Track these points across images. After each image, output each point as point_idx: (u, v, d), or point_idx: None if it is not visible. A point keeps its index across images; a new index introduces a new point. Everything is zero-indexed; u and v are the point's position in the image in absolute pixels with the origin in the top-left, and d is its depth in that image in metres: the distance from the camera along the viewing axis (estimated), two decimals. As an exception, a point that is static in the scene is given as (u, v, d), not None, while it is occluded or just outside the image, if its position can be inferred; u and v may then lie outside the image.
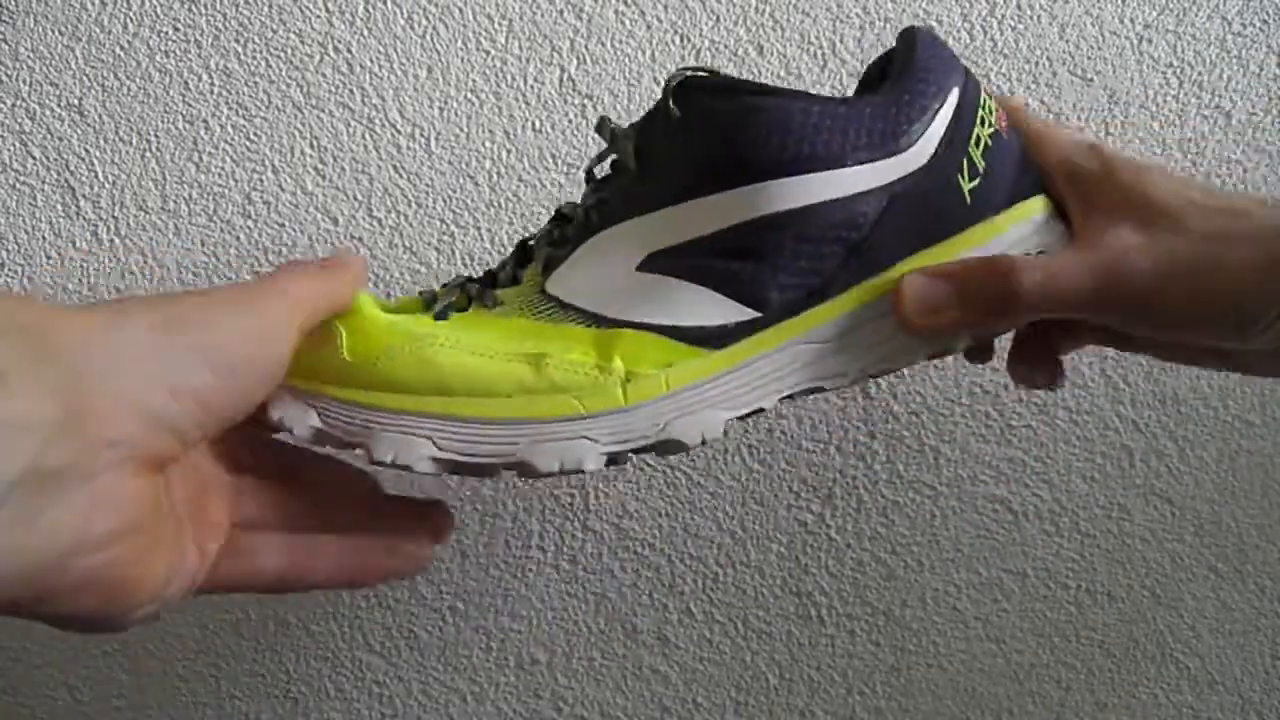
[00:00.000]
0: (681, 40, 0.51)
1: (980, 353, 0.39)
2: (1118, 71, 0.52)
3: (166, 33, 0.51)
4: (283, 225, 0.51)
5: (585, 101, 0.51)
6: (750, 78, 0.51)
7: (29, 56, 0.51)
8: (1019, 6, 0.52)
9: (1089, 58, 0.52)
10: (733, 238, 0.32)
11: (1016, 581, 0.55)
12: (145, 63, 0.51)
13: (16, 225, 0.51)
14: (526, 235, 0.36)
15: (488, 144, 0.51)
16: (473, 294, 0.34)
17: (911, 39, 0.34)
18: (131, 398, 0.24)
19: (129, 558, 0.25)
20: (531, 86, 0.51)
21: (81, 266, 0.51)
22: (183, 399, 0.25)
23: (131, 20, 0.51)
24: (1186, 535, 0.55)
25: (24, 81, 0.51)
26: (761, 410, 0.33)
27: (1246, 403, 0.54)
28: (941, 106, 0.33)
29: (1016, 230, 0.34)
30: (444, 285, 0.35)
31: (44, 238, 0.51)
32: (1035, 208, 0.35)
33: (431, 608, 0.54)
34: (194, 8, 0.51)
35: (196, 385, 0.26)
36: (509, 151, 0.51)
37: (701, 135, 0.32)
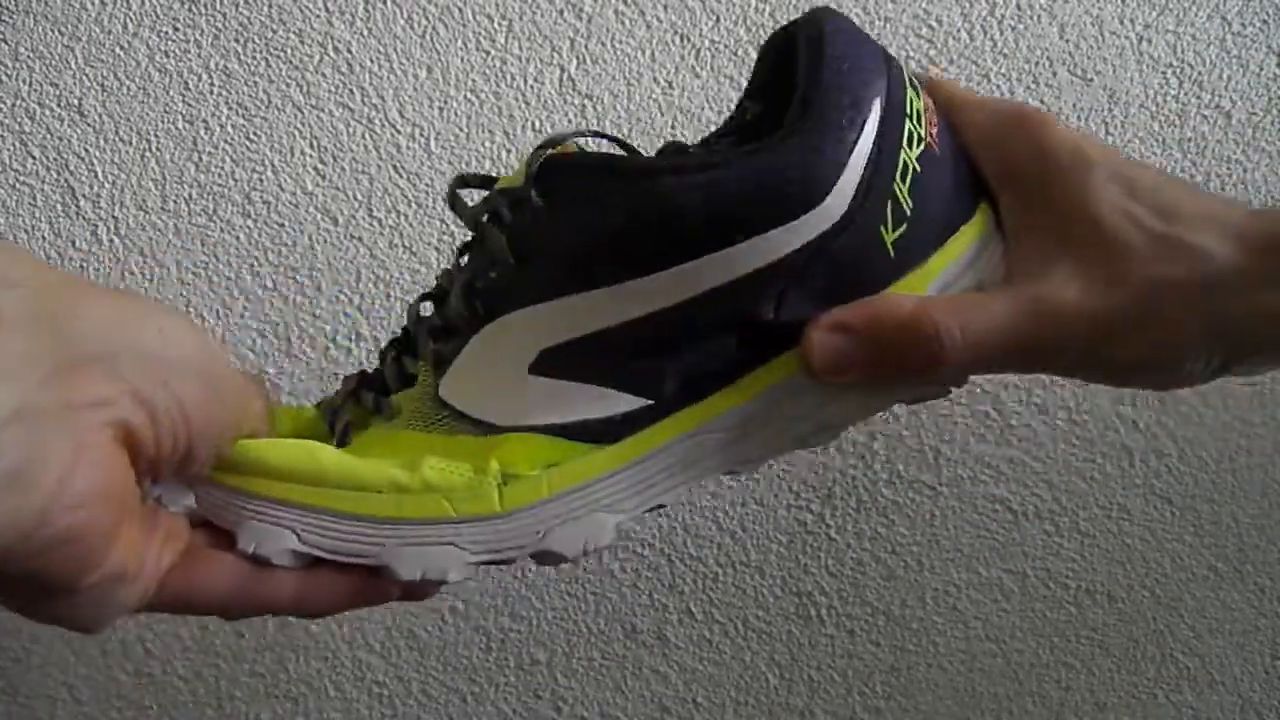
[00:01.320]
0: (681, 40, 0.51)
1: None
2: (1118, 71, 0.52)
3: (166, 33, 0.51)
4: (283, 225, 0.51)
5: (585, 101, 0.51)
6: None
7: (29, 56, 0.51)
8: (1019, 6, 0.52)
9: (1089, 58, 0.52)
10: (628, 330, 0.28)
11: (1016, 581, 0.55)
12: (145, 63, 0.51)
13: (16, 225, 0.51)
14: (406, 309, 0.33)
15: (488, 144, 0.51)
16: (369, 404, 0.31)
17: (818, 31, 0.28)
18: (125, 375, 0.24)
19: (103, 523, 0.25)
20: (531, 86, 0.51)
21: (81, 266, 0.51)
22: (171, 395, 0.25)
23: (131, 20, 0.51)
24: (1186, 535, 0.55)
25: (24, 81, 0.51)
26: (661, 507, 0.30)
27: (1246, 403, 0.54)
28: (861, 133, 0.27)
29: (950, 270, 0.29)
30: (337, 391, 0.33)
31: (44, 238, 0.51)
32: (970, 236, 0.30)
33: (431, 608, 0.54)
34: (194, 8, 0.51)
35: (186, 393, 0.26)
36: (509, 151, 0.51)
37: (577, 224, 0.28)
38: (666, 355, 0.29)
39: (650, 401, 0.29)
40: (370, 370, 0.34)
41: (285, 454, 0.29)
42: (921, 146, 0.28)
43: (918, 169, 0.28)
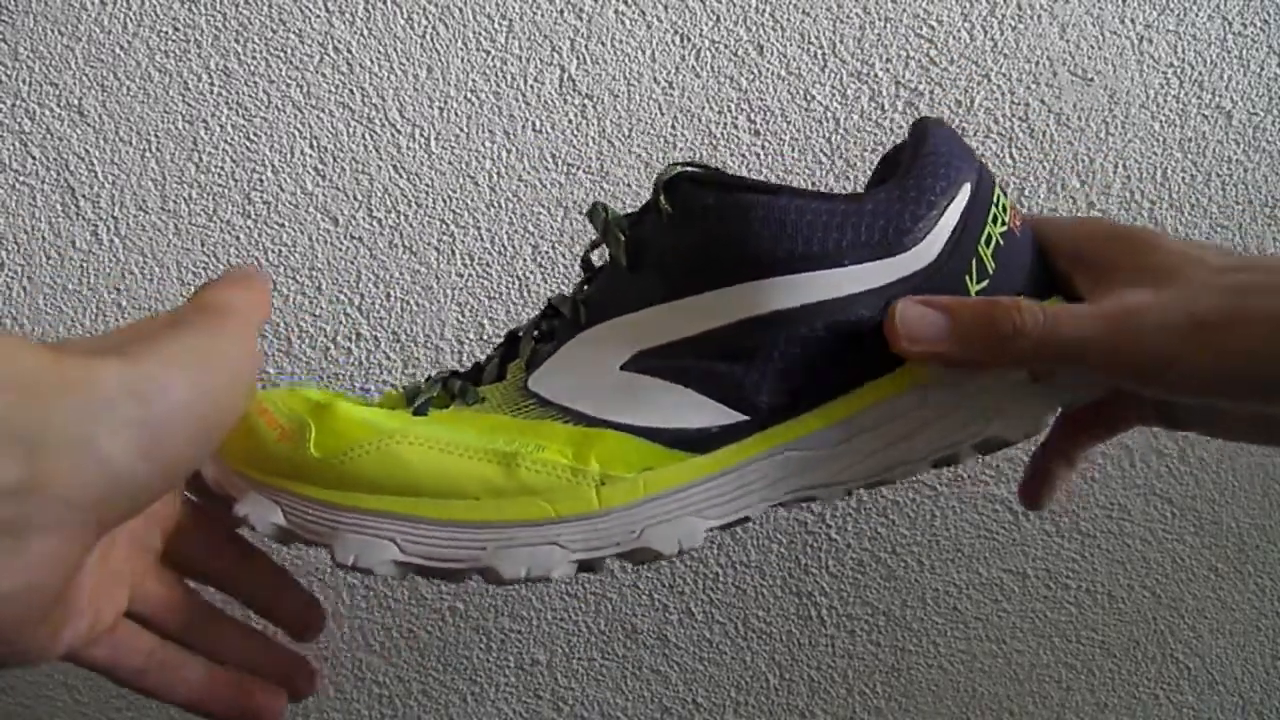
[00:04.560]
0: (682, 40, 0.51)
1: (1038, 496, 0.38)
2: (1118, 71, 0.52)
3: (166, 33, 0.51)
4: (283, 225, 0.51)
5: (585, 101, 0.51)
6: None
7: (29, 56, 0.51)
8: (1019, 6, 0.52)
9: (1089, 58, 0.52)
10: (722, 338, 0.30)
11: (1016, 581, 0.55)
12: (145, 63, 0.51)
13: (16, 225, 0.51)
14: (516, 326, 0.35)
15: (488, 144, 0.51)
16: (455, 390, 0.33)
17: (923, 130, 0.32)
18: (100, 460, 0.23)
19: (30, 616, 0.24)
20: (531, 86, 0.51)
21: (81, 266, 0.51)
22: (153, 460, 0.24)
23: (131, 20, 0.51)
24: (1186, 535, 0.55)
25: (24, 81, 0.51)
26: (748, 519, 0.31)
27: (1247, 403, 0.54)
28: (951, 203, 0.31)
29: None
30: (428, 379, 0.34)
31: (44, 238, 0.51)
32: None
33: (431, 608, 0.54)
34: (194, 8, 0.51)
35: (168, 446, 0.25)
36: (509, 151, 0.51)
37: (693, 232, 0.31)
38: (759, 368, 0.30)
39: (746, 417, 0.31)
40: (470, 367, 0.35)
41: (374, 464, 0.29)
42: (1005, 227, 0.32)
43: (1000, 241, 0.32)
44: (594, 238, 0.34)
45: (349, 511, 0.29)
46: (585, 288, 0.33)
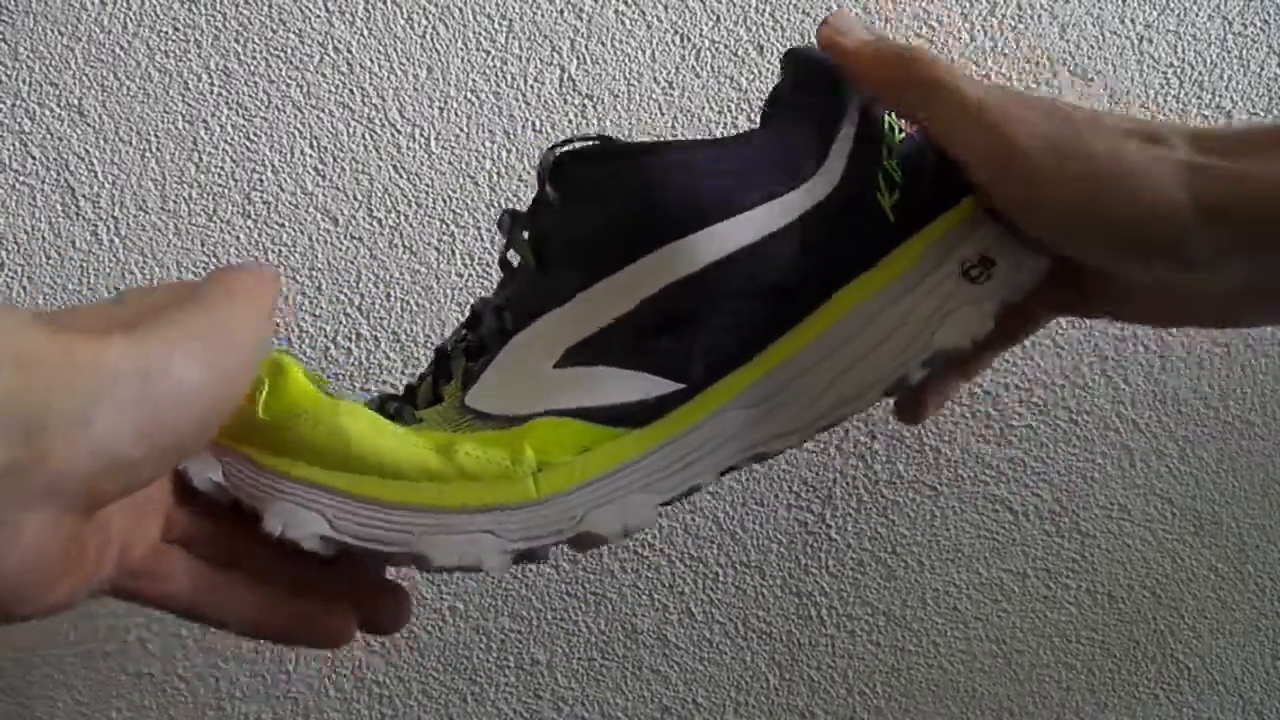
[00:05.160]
0: (681, 40, 0.51)
1: (918, 408, 0.37)
2: (1118, 71, 0.52)
3: (166, 33, 0.51)
4: (283, 225, 0.51)
5: (585, 101, 0.51)
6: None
7: (29, 56, 0.51)
8: (1019, 6, 0.52)
9: (1089, 58, 0.52)
10: (644, 313, 0.29)
11: (1016, 581, 0.55)
12: (145, 63, 0.51)
13: (16, 225, 0.51)
14: (442, 342, 0.34)
15: (488, 144, 0.51)
16: (391, 412, 0.31)
17: (797, 57, 0.32)
18: (97, 442, 0.23)
19: (28, 590, 0.24)
20: (531, 86, 0.51)
21: (81, 266, 0.51)
22: (152, 440, 0.24)
23: (131, 20, 0.51)
24: (1187, 535, 0.55)
25: (24, 81, 0.51)
26: (698, 488, 0.30)
27: (1247, 403, 0.54)
28: (842, 118, 0.30)
29: (954, 236, 0.31)
30: (364, 403, 0.33)
31: (44, 238, 0.51)
32: (966, 209, 0.31)
33: (431, 608, 0.54)
34: (194, 8, 0.51)
35: (169, 428, 0.24)
36: (509, 151, 0.51)
37: (588, 214, 0.30)
38: (688, 333, 0.29)
39: (682, 385, 0.29)
40: (398, 392, 0.34)
41: (316, 433, 0.28)
42: (903, 135, 0.31)
43: (902, 150, 0.31)
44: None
45: (285, 479, 0.28)
46: (506, 291, 0.32)
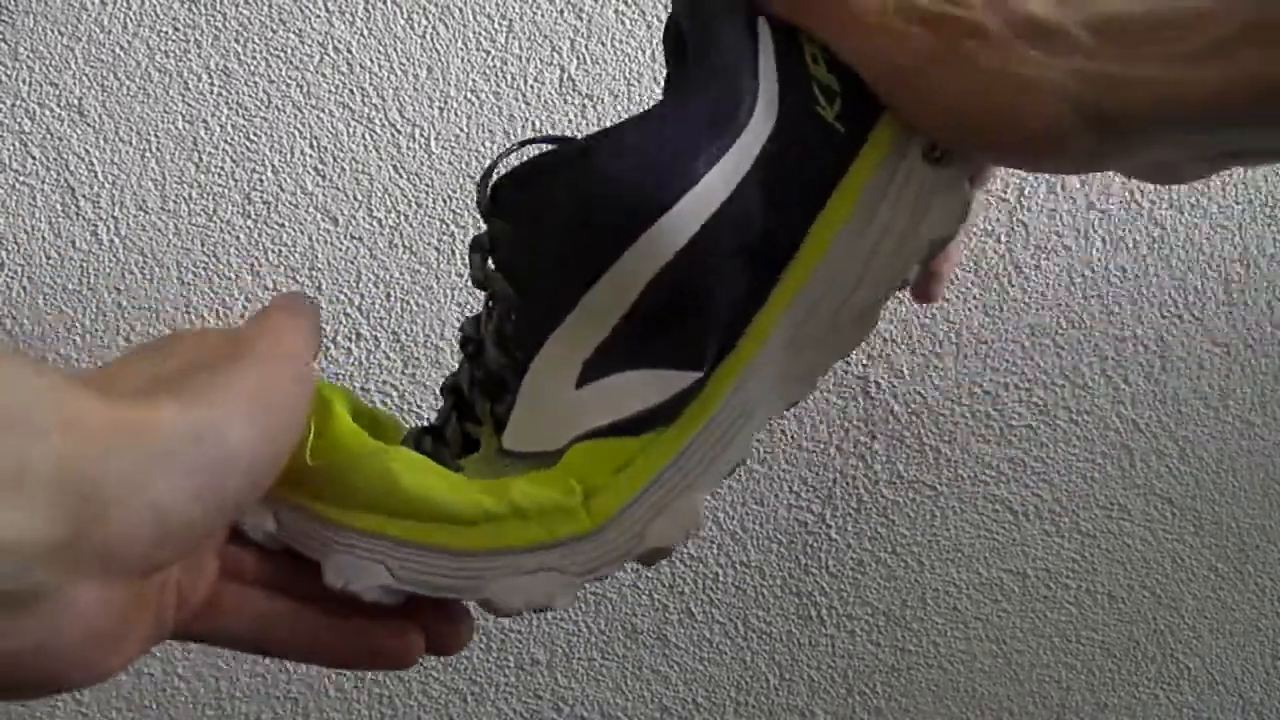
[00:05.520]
0: (681, 40, 0.51)
1: (932, 284, 0.37)
2: None
3: (166, 33, 0.51)
4: (283, 225, 0.51)
5: (585, 101, 0.51)
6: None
7: (29, 56, 0.51)
8: None
9: (1089, 58, 0.52)
10: (640, 313, 0.28)
11: (1016, 581, 0.55)
12: (145, 63, 0.51)
13: (16, 225, 0.51)
14: (453, 380, 0.33)
15: (488, 144, 0.51)
16: (429, 450, 0.31)
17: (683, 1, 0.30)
18: (155, 507, 0.22)
19: (88, 661, 0.24)
20: (531, 86, 0.51)
21: (81, 266, 0.51)
22: (206, 502, 0.24)
23: (131, 20, 0.51)
24: (1187, 535, 0.55)
25: (24, 81, 0.51)
26: (741, 462, 0.30)
27: (1247, 403, 0.54)
28: (756, 44, 0.29)
29: (903, 134, 0.29)
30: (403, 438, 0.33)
31: (44, 238, 0.51)
32: None
33: (431, 608, 0.54)
34: (194, 8, 0.51)
35: (224, 489, 0.24)
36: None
37: (545, 232, 0.29)
38: (688, 315, 0.29)
39: (699, 373, 0.29)
40: (431, 424, 0.33)
41: (368, 480, 0.28)
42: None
43: (826, 55, 0.29)
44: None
45: (340, 530, 0.28)
46: (497, 312, 0.31)
